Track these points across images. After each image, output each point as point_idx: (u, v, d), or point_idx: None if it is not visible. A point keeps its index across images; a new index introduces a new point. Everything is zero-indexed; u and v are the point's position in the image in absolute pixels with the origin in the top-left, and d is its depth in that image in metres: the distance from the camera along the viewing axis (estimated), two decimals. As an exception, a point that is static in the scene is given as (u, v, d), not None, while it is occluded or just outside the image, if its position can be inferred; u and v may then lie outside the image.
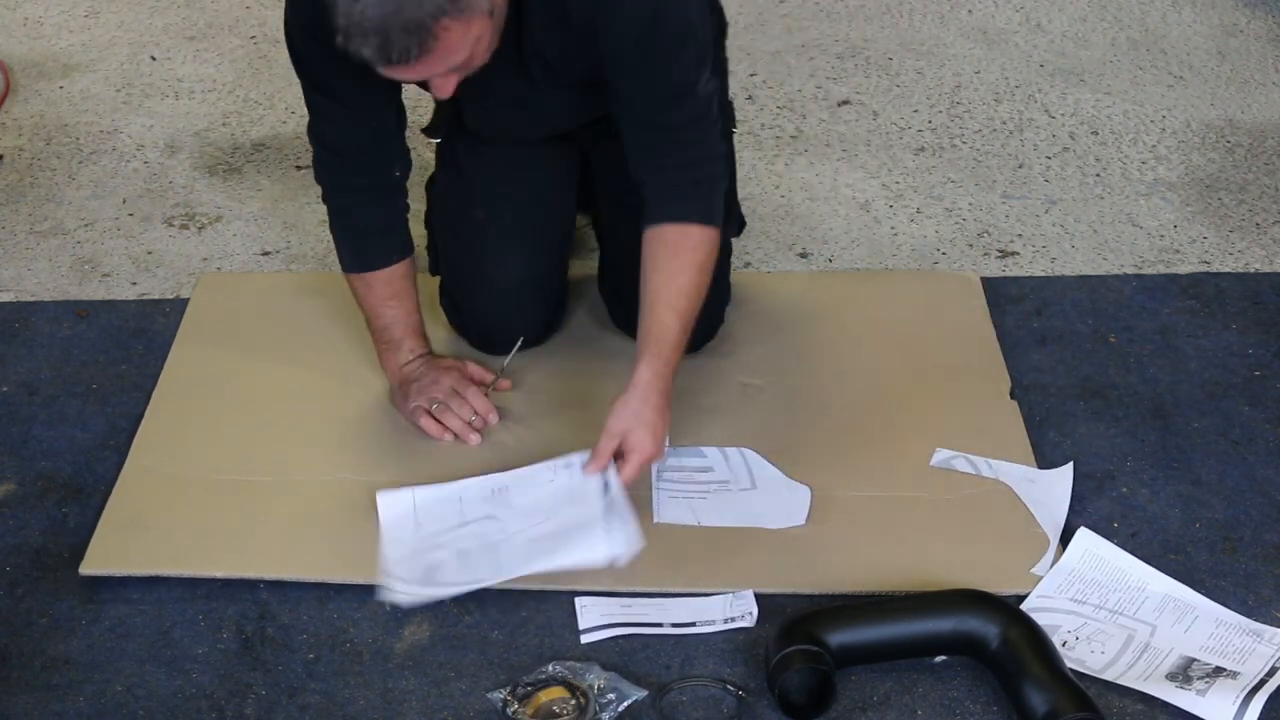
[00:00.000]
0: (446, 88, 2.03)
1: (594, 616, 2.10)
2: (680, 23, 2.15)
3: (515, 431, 2.38)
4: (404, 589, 2.11)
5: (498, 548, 2.16)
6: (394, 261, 2.36)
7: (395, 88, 2.25)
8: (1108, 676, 2.02)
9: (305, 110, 2.28)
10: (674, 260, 2.21)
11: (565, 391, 2.45)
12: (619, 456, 2.18)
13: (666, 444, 2.31)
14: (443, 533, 2.19)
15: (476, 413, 2.36)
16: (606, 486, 2.18)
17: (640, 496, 2.25)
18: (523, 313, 2.46)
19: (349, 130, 2.28)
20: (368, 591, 2.14)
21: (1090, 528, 2.21)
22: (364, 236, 2.36)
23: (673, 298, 2.20)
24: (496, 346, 2.48)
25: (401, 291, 2.37)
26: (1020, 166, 3.05)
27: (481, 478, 2.26)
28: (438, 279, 2.56)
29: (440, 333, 2.54)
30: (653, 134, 2.21)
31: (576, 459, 2.22)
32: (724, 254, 2.41)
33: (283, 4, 2.20)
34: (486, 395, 2.39)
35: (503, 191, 2.43)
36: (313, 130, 2.32)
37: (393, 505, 2.22)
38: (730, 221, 2.43)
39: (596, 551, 2.12)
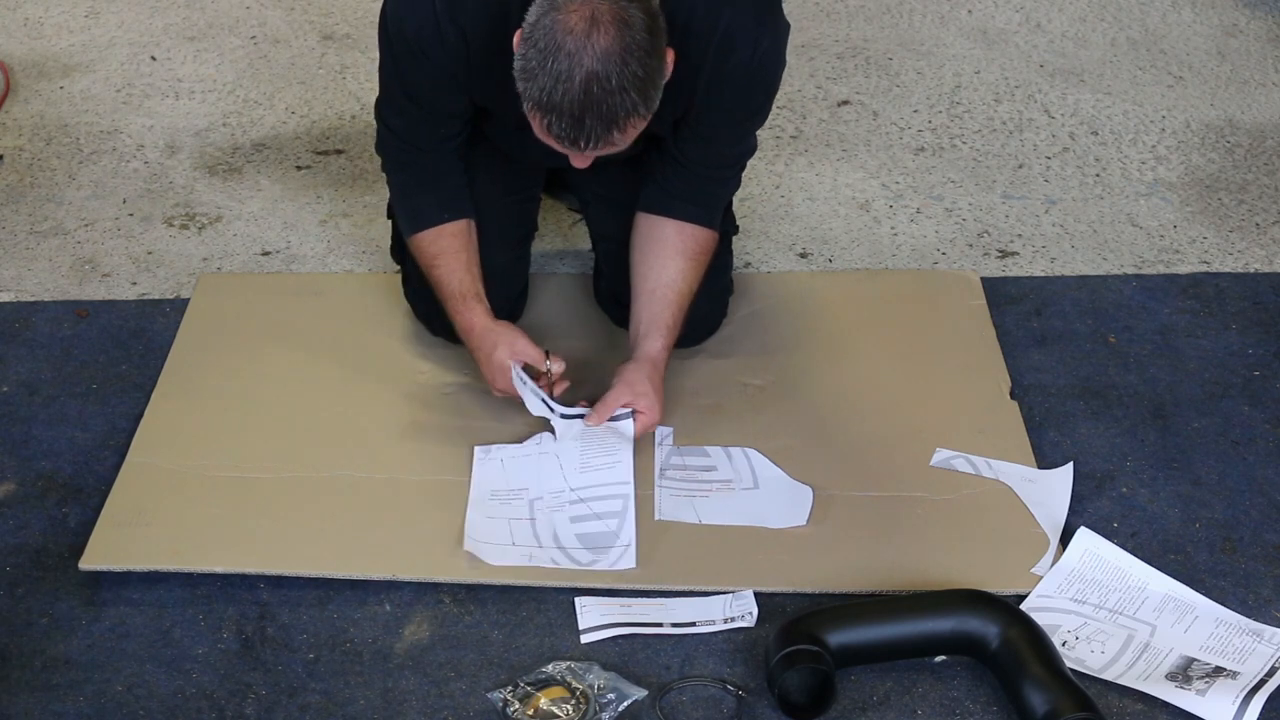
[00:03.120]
0: (586, 162, 2.09)
1: (594, 616, 2.10)
2: (773, 83, 2.27)
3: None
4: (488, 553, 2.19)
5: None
6: (443, 221, 2.36)
7: (472, 109, 2.30)
8: (1108, 676, 2.02)
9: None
10: (680, 257, 2.36)
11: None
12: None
13: (670, 440, 2.33)
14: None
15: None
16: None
17: (642, 495, 2.26)
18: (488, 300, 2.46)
19: (423, 131, 2.33)
20: (368, 591, 2.15)
21: (1090, 528, 2.21)
22: (414, 198, 2.39)
23: (678, 293, 2.35)
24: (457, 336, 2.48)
25: (447, 250, 2.36)
26: (1020, 166, 3.05)
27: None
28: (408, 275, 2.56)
29: (407, 323, 2.56)
30: (694, 176, 2.28)
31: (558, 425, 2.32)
32: (726, 250, 2.51)
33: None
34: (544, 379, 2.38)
35: (476, 185, 2.44)
36: (384, 116, 2.34)
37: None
38: (727, 220, 2.50)
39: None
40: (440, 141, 2.34)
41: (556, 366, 2.33)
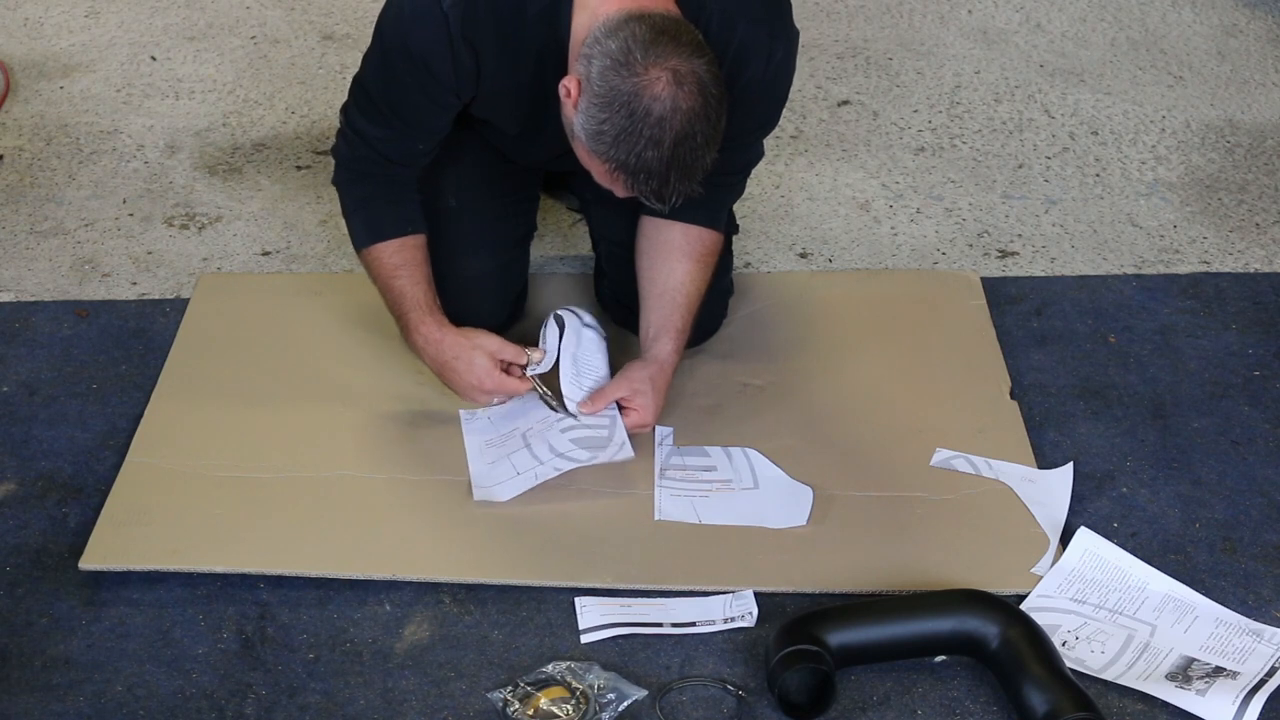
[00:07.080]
0: (626, 191, 2.10)
1: (594, 616, 2.10)
2: (785, 93, 2.30)
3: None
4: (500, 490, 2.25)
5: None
6: (405, 233, 2.36)
7: (452, 127, 2.30)
8: (1108, 676, 2.02)
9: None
10: (687, 259, 2.36)
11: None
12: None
13: (671, 441, 2.33)
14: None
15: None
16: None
17: (642, 494, 2.26)
18: (486, 302, 2.46)
19: (399, 145, 2.31)
20: (368, 591, 2.15)
21: (1090, 528, 2.21)
22: (375, 209, 2.37)
23: (686, 295, 2.36)
24: None
25: (410, 262, 2.35)
26: (1020, 166, 3.05)
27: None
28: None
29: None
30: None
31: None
32: (726, 250, 2.51)
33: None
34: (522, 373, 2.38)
35: (475, 184, 2.45)
36: (357, 124, 2.31)
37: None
38: (728, 221, 2.50)
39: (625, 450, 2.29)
40: (413, 157, 2.33)
41: (537, 355, 2.34)
